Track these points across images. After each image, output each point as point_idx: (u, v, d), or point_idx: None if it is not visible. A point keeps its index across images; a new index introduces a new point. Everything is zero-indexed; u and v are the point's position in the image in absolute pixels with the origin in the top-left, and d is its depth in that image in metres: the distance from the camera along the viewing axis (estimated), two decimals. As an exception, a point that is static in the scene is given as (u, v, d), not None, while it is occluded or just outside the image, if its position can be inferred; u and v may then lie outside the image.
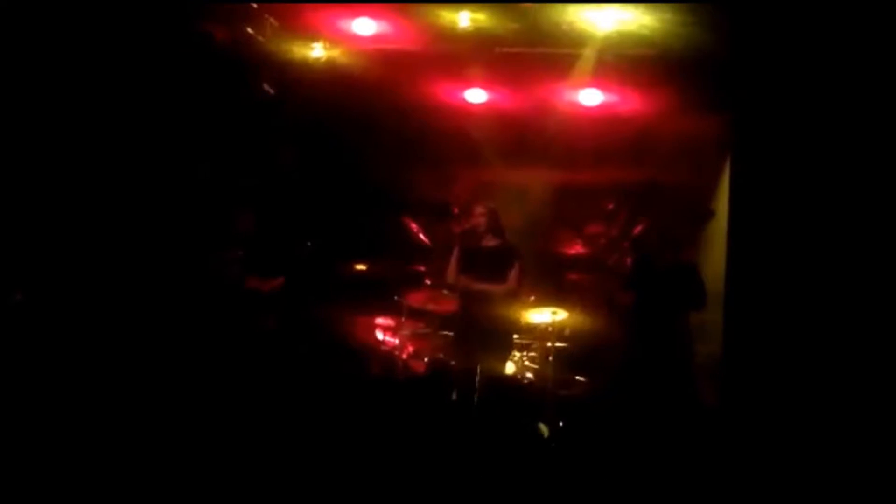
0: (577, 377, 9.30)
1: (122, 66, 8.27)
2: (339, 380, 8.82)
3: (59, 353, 7.57)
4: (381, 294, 9.63)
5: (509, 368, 9.02)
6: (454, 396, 8.28)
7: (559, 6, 8.31)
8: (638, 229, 9.38)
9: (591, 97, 9.55)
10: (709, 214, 8.08)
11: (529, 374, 9.25)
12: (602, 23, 8.42)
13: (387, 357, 9.43)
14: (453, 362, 8.67)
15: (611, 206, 10.00)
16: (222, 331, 8.22)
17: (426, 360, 9.19)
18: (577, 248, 9.94)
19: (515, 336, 8.96)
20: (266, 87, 9.51)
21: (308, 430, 7.12)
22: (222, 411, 7.30)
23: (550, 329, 9.20)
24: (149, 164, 8.68)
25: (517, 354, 9.28)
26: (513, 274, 8.25)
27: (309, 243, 8.57)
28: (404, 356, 9.36)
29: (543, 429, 7.97)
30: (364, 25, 8.89)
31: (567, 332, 9.38)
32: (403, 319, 9.42)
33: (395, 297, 9.48)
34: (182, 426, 6.80)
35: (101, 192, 8.44)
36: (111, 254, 8.37)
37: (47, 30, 7.79)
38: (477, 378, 8.15)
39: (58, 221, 8.01)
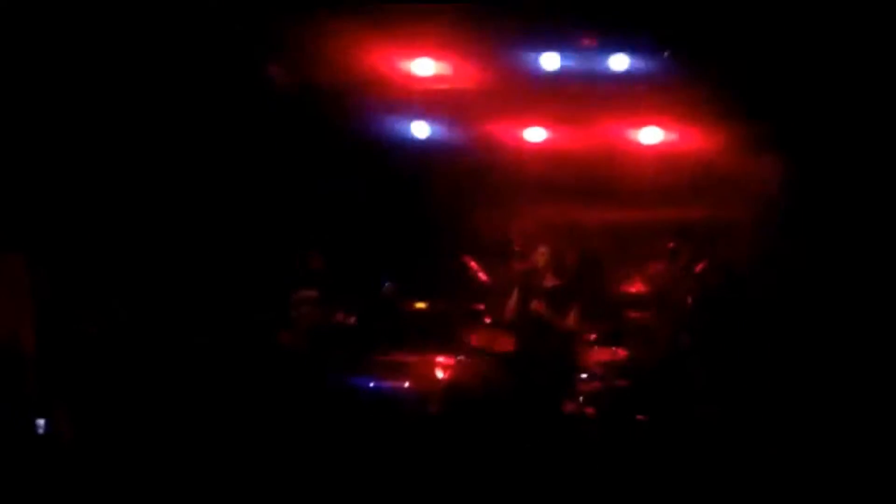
0: (639, 416, 9.19)
1: (187, 110, 8.42)
2: (398, 415, 8.84)
3: (132, 385, 7.70)
4: (441, 332, 9.62)
5: (569, 408, 8.94)
6: (513, 433, 8.23)
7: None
8: (700, 268, 9.30)
9: (652, 135, 9.52)
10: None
11: (589, 413, 9.16)
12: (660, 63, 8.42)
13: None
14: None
15: (672, 245, 9.93)
16: (296, 367, 8.27)
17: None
18: (638, 287, 9.86)
19: (576, 375, 8.90)
20: (329, 126, 9.61)
21: (366, 459, 7.14)
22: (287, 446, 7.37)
23: (612, 368, 9.11)
24: (217, 204, 8.82)
25: (577, 393, 9.19)
26: (572, 314, 8.22)
27: (388, 283, 8.57)
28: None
29: None
30: (424, 66, 8.97)
31: (628, 370, 9.28)
32: (462, 358, 9.39)
33: (456, 336, 9.46)
34: (253, 461, 6.84)
35: (173, 229, 8.59)
36: (185, 291, 8.53)
37: (114, 75, 7.95)
38: (536, 416, 8.10)
39: (134, 260, 8.16)
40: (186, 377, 8.32)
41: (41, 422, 7.06)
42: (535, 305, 8.09)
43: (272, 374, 8.27)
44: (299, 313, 8.37)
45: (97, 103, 7.99)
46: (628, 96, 9.08)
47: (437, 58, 8.85)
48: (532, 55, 8.74)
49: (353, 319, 8.51)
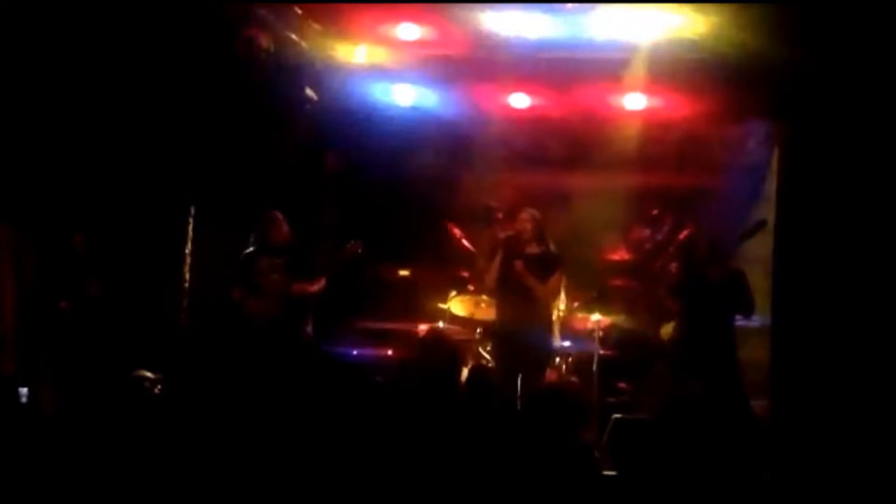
0: (622, 384, 9.21)
1: (166, 73, 8.30)
2: (376, 386, 8.80)
3: (102, 363, 7.64)
4: (424, 300, 9.59)
5: (552, 376, 8.94)
6: (495, 403, 8.20)
7: (605, 9, 8.23)
8: (683, 235, 9.30)
9: (636, 102, 9.47)
10: (760, 225, 7.96)
11: (573, 381, 9.16)
12: (650, 26, 8.34)
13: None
14: (492, 366, 8.66)
15: (655, 212, 9.93)
16: (265, 339, 8.19)
17: (468, 366, 9.12)
18: (621, 254, 9.87)
19: (559, 343, 8.91)
20: (309, 91, 9.51)
21: (341, 435, 7.09)
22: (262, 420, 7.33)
23: (595, 335, 9.12)
24: (188, 169, 8.72)
25: (560, 361, 9.20)
26: (555, 281, 8.20)
27: (352, 242, 8.48)
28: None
29: None
30: (408, 30, 8.87)
31: (611, 338, 9.29)
32: (445, 325, 9.36)
33: (439, 304, 9.43)
34: (233, 432, 6.80)
35: (140, 198, 8.50)
36: (153, 262, 8.46)
37: (89, 38, 7.82)
38: (518, 385, 8.08)
39: (100, 234, 8.08)
40: (161, 349, 8.28)
41: (24, 391, 7.03)
42: (518, 266, 8.06)
43: (248, 343, 8.19)
44: (269, 280, 8.27)
45: (83, 85, 7.86)
46: (613, 62, 9.00)
47: (422, 23, 8.74)
48: (516, 20, 8.63)
49: (321, 284, 8.39)
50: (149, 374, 7.76)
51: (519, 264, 8.05)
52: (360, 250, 8.34)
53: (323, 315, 8.69)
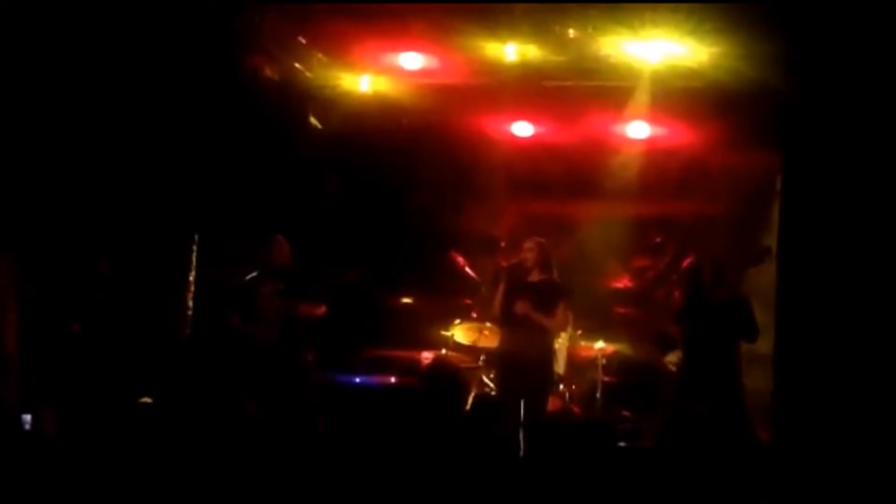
0: (626, 412, 9.20)
1: (171, 101, 8.35)
2: (384, 412, 8.80)
3: (105, 388, 7.66)
4: (428, 327, 9.60)
5: (555, 404, 8.94)
6: (498, 431, 8.20)
7: (607, 39, 8.29)
8: (686, 263, 9.29)
9: (638, 130, 9.50)
10: (765, 253, 7.97)
11: (575, 409, 9.16)
12: (651, 56, 8.40)
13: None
14: (495, 393, 8.65)
15: (658, 240, 9.94)
16: (265, 365, 8.21)
17: (471, 395, 9.12)
18: (624, 282, 9.87)
19: (562, 371, 8.91)
20: (313, 120, 9.57)
21: (344, 461, 7.08)
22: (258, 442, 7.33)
23: (598, 363, 9.12)
24: (191, 196, 8.77)
25: (563, 389, 9.18)
26: (559, 310, 8.20)
27: (350, 271, 8.52)
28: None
29: None
30: (411, 60, 8.93)
31: (615, 366, 9.29)
32: (449, 353, 9.37)
33: (442, 331, 9.44)
34: (221, 460, 6.79)
35: (143, 225, 8.55)
36: (157, 289, 8.50)
37: (92, 66, 7.87)
38: (521, 413, 8.07)
39: (116, 257, 8.13)
40: (168, 373, 8.30)
41: (27, 418, 7.03)
42: (520, 307, 8.05)
43: (248, 369, 8.21)
44: (269, 306, 8.29)
45: (83, 102, 7.91)
46: (615, 90, 9.05)
47: (425, 52, 8.80)
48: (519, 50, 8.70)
49: (321, 311, 8.42)
50: (150, 401, 7.80)
51: (521, 306, 8.02)
52: (357, 278, 8.39)
53: (326, 342, 8.71)
